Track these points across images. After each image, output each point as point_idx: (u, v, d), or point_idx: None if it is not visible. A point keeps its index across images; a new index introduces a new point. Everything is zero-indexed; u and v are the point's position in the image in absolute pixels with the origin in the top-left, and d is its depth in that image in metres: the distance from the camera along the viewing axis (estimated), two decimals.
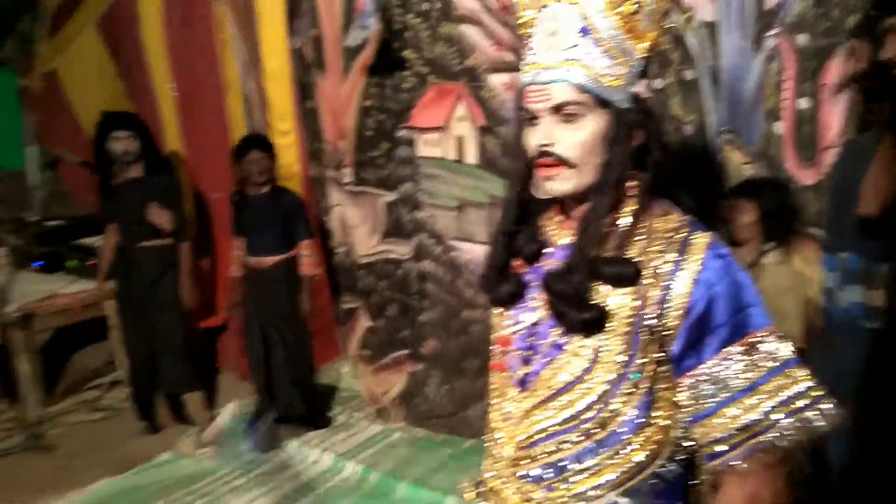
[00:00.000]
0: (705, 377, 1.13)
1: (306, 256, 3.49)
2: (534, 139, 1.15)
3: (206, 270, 4.30)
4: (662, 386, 1.17)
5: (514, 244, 1.27)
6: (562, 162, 1.14)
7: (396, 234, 3.57)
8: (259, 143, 3.43)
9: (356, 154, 3.61)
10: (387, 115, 3.42)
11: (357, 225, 3.72)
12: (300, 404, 3.56)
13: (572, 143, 1.13)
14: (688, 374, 1.14)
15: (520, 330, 1.25)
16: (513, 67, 2.93)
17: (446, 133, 3.23)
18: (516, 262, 1.28)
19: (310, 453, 3.43)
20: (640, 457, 1.17)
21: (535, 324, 1.23)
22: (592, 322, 1.15)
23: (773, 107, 2.32)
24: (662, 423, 1.17)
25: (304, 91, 3.74)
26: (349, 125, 3.58)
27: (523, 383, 1.24)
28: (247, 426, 3.59)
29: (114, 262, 3.67)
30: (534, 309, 1.24)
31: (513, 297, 1.26)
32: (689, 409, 1.16)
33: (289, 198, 3.51)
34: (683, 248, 1.14)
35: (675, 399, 1.17)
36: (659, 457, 1.18)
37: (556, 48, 1.13)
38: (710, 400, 1.13)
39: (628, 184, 1.17)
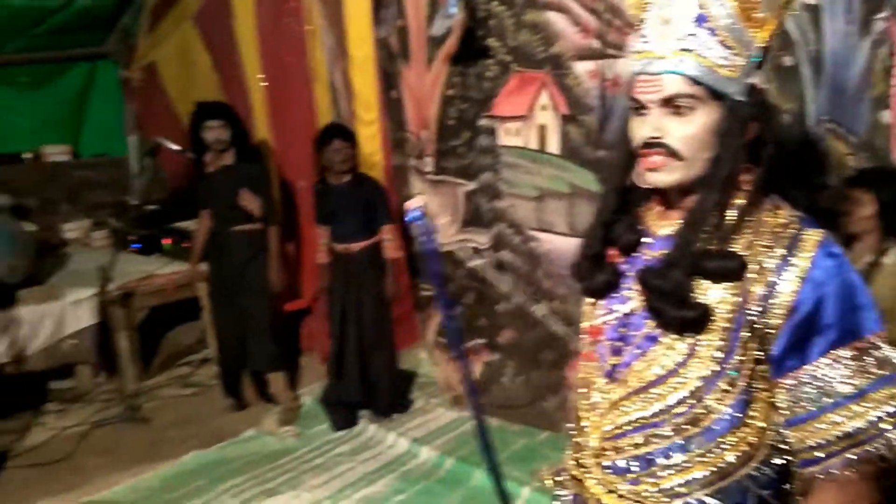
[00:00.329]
0: (808, 379, 1.08)
1: (389, 241, 3.56)
2: (642, 130, 1.12)
3: (292, 256, 4.43)
4: (760, 386, 1.13)
5: (612, 233, 1.24)
6: (671, 154, 1.11)
7: (475, 223, 3.58)
8: (341, 132, 3.50)
9: (438, 143, 3.64)
10: (469, 104, 3.43)
11: (437, 213, 3.74)
12: (379, 385, 3.63)
13: (682, 136, 1.10)
14: (789, 374, 1.10)
15: (611, 320, 1.23)
16: (599, 55, 2.88)
17: (528, 122, 3.20)
18: (612, 252, 1.26)
19: (386, 436, 3.50)
20: (732, 457, 1.13)
21: (627, 314, 1.21)
22: (691, 321, 1.11)
23: (881, 94, 2.18)
24: (758, 424, 1.13)
25: (389, 81, 3.79)
26: (432, 114, 3.61)
27: (612, 374, 1.22)
28: (324, 407, 3.70)
29: (206, 246, 3.84)
30: (627, 299, 1.22)
31: (607, 287, 1.25)
32: (787, 411, 1.11)
33: (370, 185, 3.58)
34: (793, 244, 1.09)
35: (772, 400, 1.13)
36: (752, 459, 1.14)
37: (669, 36, 1.09)
38: (811, 403, 1.08)
39: (741, 177, 1.13)
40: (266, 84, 4.36)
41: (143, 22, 5.43)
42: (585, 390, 1.28)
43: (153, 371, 4.52)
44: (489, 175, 3.43)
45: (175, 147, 3.58)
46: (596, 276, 1.25)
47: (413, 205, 1.24)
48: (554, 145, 3.14)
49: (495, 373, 3.61)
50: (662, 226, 1.22)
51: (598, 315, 1.26)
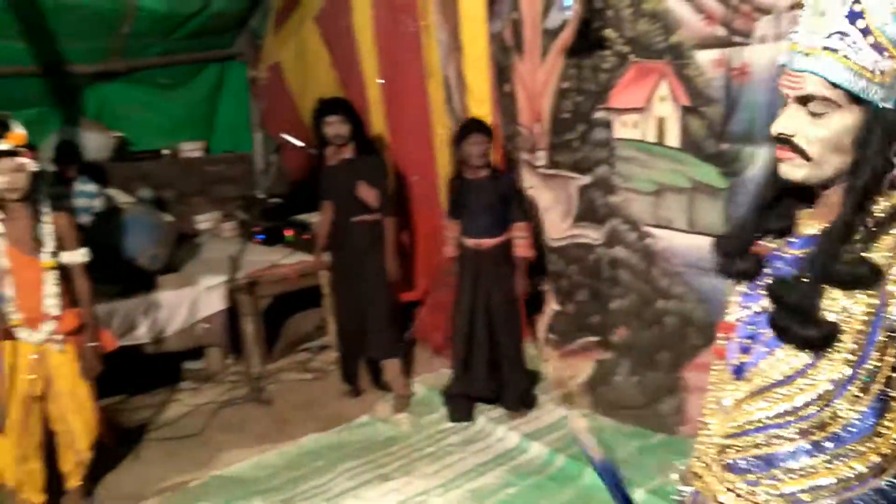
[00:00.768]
0: None
1: (521, 238, 3.49)
2: (775, 125, 1.10)
3: (406, 247, 4.54)
4: None
5: (763, 221, 1.21)
6: (799, 152, 1.08)
7: (589, 218, 3.52)
8: (480, 127, 3.47)
9: (551, 137, 3.60)
10: (584, 97, 3.37)
11: (549, 208, 3.71)
12: (509, 383, 3.60)
13: (813, 137, 1.06)
14: None
15: (744, 317, 1.21)
16: (724, 43, 2.74)
17: (646, 114, 3.11)
18: (759, 243, 1.22)
19: (496, 430, 3.52)
20: (862, 467, 1.07)
21: (758, 312, 1.18)
22: (815, 341, 1.07)
23: None
24: (893, 435, 1.07)
25: (502, 74, 3.79)
26: (545, 108, 3.57)
27: (739, 372, 1.20)
28: (443, 398, 3.75)
29: (329, 236, 3.99)
30: (760, 297, 1.18)
31: (744, 276, 1.22)
32: None
33: (505, 180, 3.54)
34: None
35: None
36: (884, 473, 1.07)
37: (818, 32, 1.04)
38: None
39: (884, 187, 1.07)
40: (382, 81, 4.48)
41: (269, 24, 5.72)
42: (713, 387, 1.27)
43: (276, 355, 4.77)
44: (604, 169, 3.36)
45: (297, 143, 3.74)
46: (737, 262, 1.22)
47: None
48: (673, 138, 3.04)
49: (608, 372, 3.55)
50: (809, 225, 1.17)
51: (732, 311, 1.24)
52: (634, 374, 3.43)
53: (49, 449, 2.88)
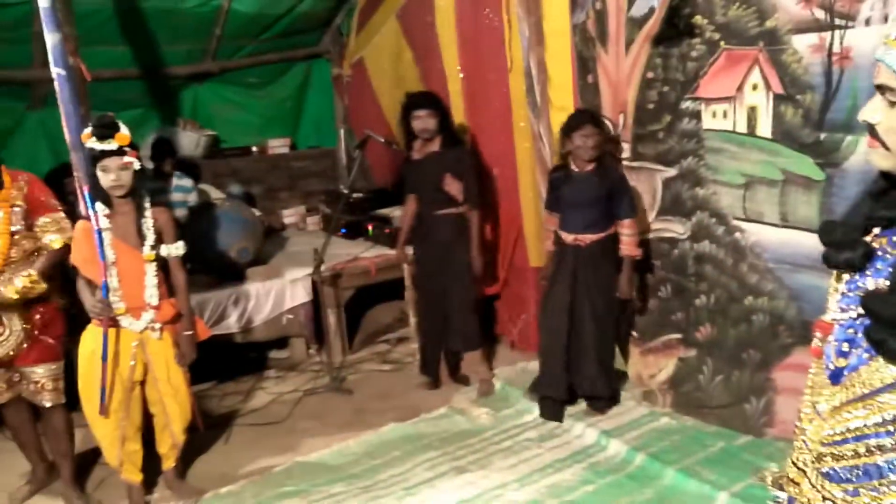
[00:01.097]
0: None
1: (628, 236, 3.35)
2: (861, 112, 1.09)
3: (488, 241, 4.54)
4: None
5: (874, 209, 1.15)
6: (880, 142, 1.08)
7: (674, 211, 3.41)
8: (591, 118, 3.37)
9: (635, 128, 3.51)
10: (670, 87, 3.26)
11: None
12: (598, 382, 3.50)
13: (888, 126, 1.05)
14: None
15: (843, 319, 1.15)
16: (824, 26, 2.59)
17: (737, 103, 2.98)
18: (871, 235, 1.16)
19: (574, 426, 3.48)
20: None
21: (859, 315, 1.12)
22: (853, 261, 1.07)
23: None
24: None
25: (584, 66, 3.72)
26: (629, 98, 3.48)
27: (837, 376, 1.14)
28: (534, 396, 3.71)
29: (413, 229, 4.03)
30: (860, 299, 1.12)
31: (851, 267, 1.15)
32: None
33: (613, 174, 3.39)
34: None
35: None
36: None
37: None
38: None
39: None
40: (463, 75, 4.50)
41: (353, 22, 5.84)
42: (810, 391, 1.22)
43: (356, 346, 4.88)
44: (691, 161, 3.25)
45: (381, 139, 3.80)
46: (842, 250, 1.15)
47: None
48: (765, 128, 2.90)
49: (691, 370, 3.43)
50: None
51: (831, 310, 1.18)
52: (719, 373, 3.31)
53: (146, 432, 3.05)
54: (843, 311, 1.16)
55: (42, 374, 2.96)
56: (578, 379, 3.52)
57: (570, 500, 2.90)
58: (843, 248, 1.13)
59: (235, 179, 5.95)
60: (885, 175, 1.13)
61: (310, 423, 3.84)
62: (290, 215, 6.17)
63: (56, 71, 3.04)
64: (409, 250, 4.13)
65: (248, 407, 4.09)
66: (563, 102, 3.82)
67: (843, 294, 1.16)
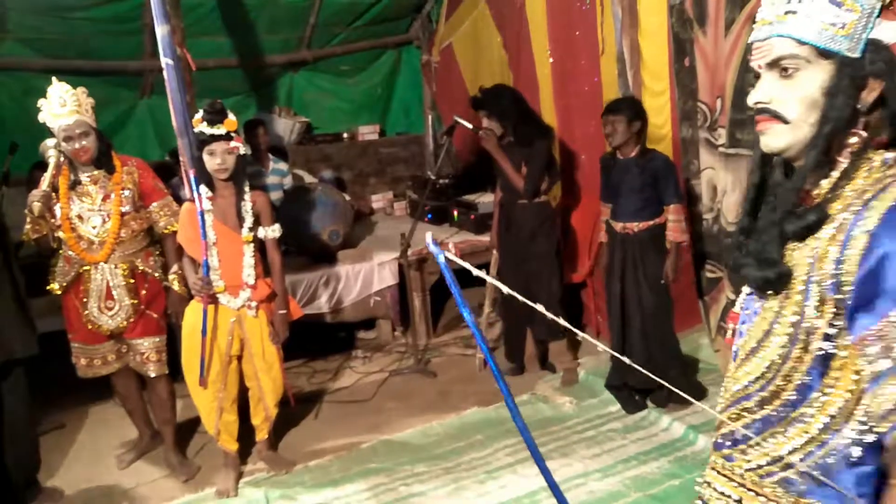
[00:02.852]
0: (872, 339, 1.00)
1: (674, 222, 3.32)
2: (751, 96, 1.12)
3: (574, 229, 4.48)
4: (842, 353, 1.05)
5: (788, 221, 1.14)
6: (776, 118, 1.09)
7: None
8: (612, 107, 3.32)
9: (733, 113, 3.36)
10: None
11: (728, 190, 3.48)
12: (652, 373, 3.40)
13: (788, 98, 1.08)
14: (860, 335, 1.02)
15: (741, 302, 1.23)
16: None
17: None
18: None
19: (660, 419, 3.40)
20: (814, 430, 1.08)
21: (749, 294, 1.20)
22: (770, 281, 1.10)
23: None
24: (842, 392, 1.06)
25: (681, 48, 3.59)
26: (728, 82, 3.34)
27: (735, 355, 1.23)
28: (611, 390, 3.67)
29: (498, 216, 4.03)
30: None
31: (766, 287, 1.17)
32: (866, 376, 1.02)
33: (657, 160, 3.34)
34: (873, 198, 1.02)
35: (854, 366, 1.05)
36: (839, 433, 1.06)
37: (780, 1, 1.08)
38: (879, 365, 1.00)
39: (850, 140, 1.07)
40: (553, 60, 4.43)
41: (442, 8, 5.86)
42: (725, 380, 1.28)
43: (440, 330, 4.94)
44: None
45: (469, 125, 3.80)
46: (760, 267, 1.15)
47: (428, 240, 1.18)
48: None
49: None
50: None
51: (741, 298, 1.26)
52: None
53: (242, 404, 3.21)
54: (743, 294, 1.24)
55: (147, 347, 3.17)
56: (630, 368, 3.41)
57: (655, 493, 2.85)
58: (761, 264, 1.14)
59: (327, 165, 6.11)
60: (778, 165, 1.17)
61: (394, 403, 3.93)
62: (378, 200, 6.29)
63: (165, 61, 3.22)
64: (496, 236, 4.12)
65: (336, 385, 4.23)
66: (658, 86, 3.71)
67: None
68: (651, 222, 3.35)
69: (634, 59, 3.80)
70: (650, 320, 3.41)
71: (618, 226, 3.42)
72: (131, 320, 3.11)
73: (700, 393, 3.49)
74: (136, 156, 3.37)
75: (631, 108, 3.31)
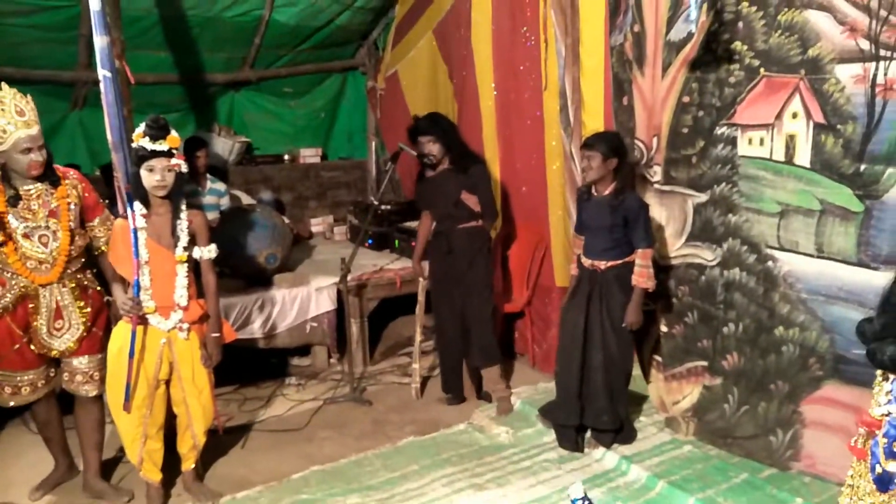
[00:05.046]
0: None
1: (641, 266, 3.24)
2: None
3: (511, 259, 4.54)
4: None
5: None
6: None
7: (703, 237, 3.38)
8: (586, 142, 3.29)
9: (668, 152, 3.49)
10: (706, 112, 3.25)
11: (662, 225, 3.60)
12: (604, 415, 3.39)
13: None
14: None
15: (889, 414, 1.07)
16: (868, 57, 2.57)
17: (775, 131, 2.95)
18: None
19: (594, 450, 3.43)
20: None
21: None
22: None
23: None
24: None
25: (620, 87, 3.72)
26: (664, 122, 3.47)
27: (885, 483, 1.05)
28: (541, 416, 3.69)
29: (430, 245, 4.04)
30: None
31: (893, 364, 1.07)
32: None
33: (631, 200, 3.27)
34: None
35: None
36: None
37: None
38: None
39: None
40: (497, 92, 4.52)
41: (389, 36, 5.91)
42: (850, 491, 1.13)
43: (377, 358, 4.88)
44: (724, 187, 3.22)
45: (414, 153, 3.82)
46: (887, 348, 1.08)
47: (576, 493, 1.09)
48: (804, 157, 2.87)
49: (716, 399, 3.38)
50: None
51: (881, 402, 1.09)
52: (745, 403, 3.25)
53: (168, 433, 3.07)
54: (892, 401, 1.08)
55: (88, 366, 3.00)
56: (587, 408, 3.42)
57: None
58: (885, 342, 1.04)
59: (266, 186, 6.02)
60: None
61: (328, 431, 3.83)
62: (317, 224, 6.23)
63: (102, 73, 3.11)
64: (425, 266, 4.13)
65: (268, 413, 4.10)
66: (594, 123, 3.82)
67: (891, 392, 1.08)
68: (619, 261, 3.30)
69: (575, 96, 3.91)
70: (612, 360, 3.36)
71: (587, 261, 3.39)
72: (83, 340, 2.94)
73: (633, 434, 3.53)
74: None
75: (608, 144, 3.22)
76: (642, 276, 3.24)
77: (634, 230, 3.25)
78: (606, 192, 3.29)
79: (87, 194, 2.97)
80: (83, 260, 2.99)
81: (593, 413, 3.41)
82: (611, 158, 3.21)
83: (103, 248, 3.01)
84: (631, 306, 3.28)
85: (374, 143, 6.52)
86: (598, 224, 3.32)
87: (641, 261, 3.25)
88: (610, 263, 3.31)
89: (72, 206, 2.89)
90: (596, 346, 3.35)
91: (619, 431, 3.47)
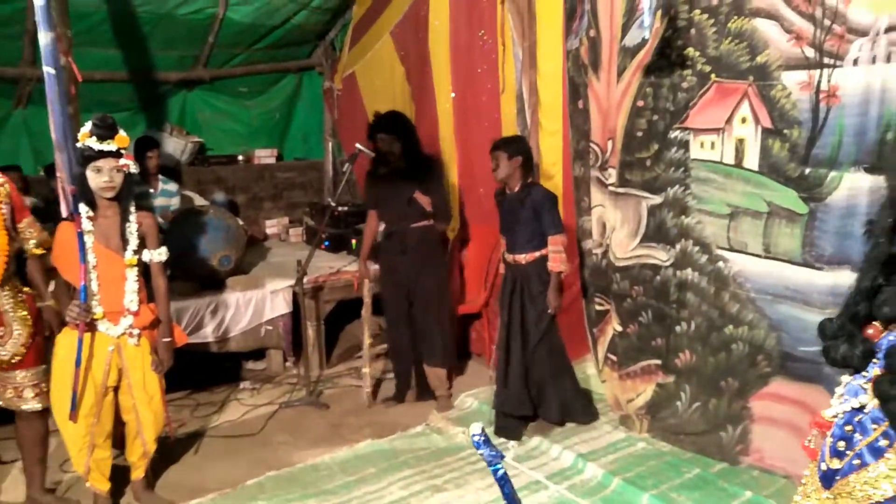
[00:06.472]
0: None
1: (554, 252, 3.43)
2: None
3: (467, 260, 4.55)
4: None
5: (876, 301, 1.11)
6: None
7: (657, 238, 3.44)
8: (495, 145, 3.49)
9: (623, 155, 3.55)
10: (659, 116, 3.31)
11: (616, 227, 3.65)
12: (512, 400, 3.54)
13: None
14: None
15: (841, 413, 1.13)
16: (813, 64, 2.65)
17: (725, 135, 3.03)
18: (871, 327, 1.13)
19: (551, 448, 3.46)
20: None
21: (857, 410, 1.09)
22: None
23: None
24: None
25: (575, 91, 3.77)
26: (619, 125, 3.52)
27: (829, 479, 1.10)
28: (489, 412, 3.74)
29: (379, 245, 4.01)
30: (861, 391, 1.11)
31: (846, 362, 1.12)
32: None
33: (536, 193, 3.48)
34: None
35: None
36: None
37: None
38: None
39: None
40: (455, 95, 4.53)
41: (347, 36, 5.87)
42: (802, 489, 1.18)
43: (334, 361, 4.83)
44: (677, 189, 3.29)
45: (371, 154, 3.80)
46: (841, 345, 1.12)
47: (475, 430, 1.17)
48: (752, 160, 2.95)
49: (669, 396, 3.45)
50: None
51: (831, 406, 1.15)
52: (697, 400, 3.32)
53: (116, 441, 2.98)
54: (843, 402, 1.14)
55: (34, 377, 2.86)
56: (526, 398, 3.56)
57: None
58: (842, 341, 1.09)
59: (220, 187, 5.91)
60: (888, 262, 1.07)
61: (284, 436, 3.78)
62: (272, 226, 6.14)
63: (47, 70, 3.00)
64: (373, 266, 4.11)
65: (221, 418, 4.02)
66: (552, 126, 3.87)
67: (847, 384, 1.14)
68: (537, 253, 3.48)
69: (532, 99, 3.94)
70: (534, 349, 3.51)
71: (509, 257, 3.57)
72: (29, 349, 2.80)
73: (592, 416, 3.68)
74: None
75: (511, 145, 3.47)
76: (556, 261, 3.44)
77: (543, 219, 3.45)
78: (517, 189, 3.49)
79: (14, 195, 2.84)
80: (15, 264, 2.85)
81: (509, 400, 3.56)
82: (515, 157, 3.43)
83: (34, 250, 2.88)
84: (550, 291, 3.47)
85: (330, 144, 6.46)
86: (513, 219, 3.51)
87: (553, 246, 3.45)
88: (529, 257, 3.50)
89: (3, 208, 2.76)
90: (515, 336, 3.52)
91: (570, 413, 3.65)
